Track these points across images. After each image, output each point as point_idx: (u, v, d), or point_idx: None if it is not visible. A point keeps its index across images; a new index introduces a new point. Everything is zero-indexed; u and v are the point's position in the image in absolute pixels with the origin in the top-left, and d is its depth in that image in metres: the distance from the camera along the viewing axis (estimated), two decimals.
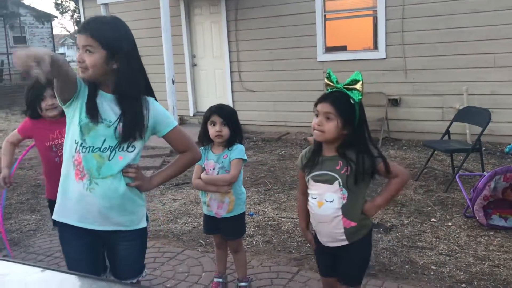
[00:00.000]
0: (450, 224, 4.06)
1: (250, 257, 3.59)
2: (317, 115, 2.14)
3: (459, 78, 6.91)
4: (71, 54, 44.77)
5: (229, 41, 8.86)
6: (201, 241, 4.00)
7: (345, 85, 2.11)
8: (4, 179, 2.93)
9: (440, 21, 6.92)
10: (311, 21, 7.96)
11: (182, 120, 9.31)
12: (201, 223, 4.38)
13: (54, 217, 2.05)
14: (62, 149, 2.92)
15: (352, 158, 2.11)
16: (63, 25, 60.45)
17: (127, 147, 1.99)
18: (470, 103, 6.63)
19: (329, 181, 2.14)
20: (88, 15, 10.42)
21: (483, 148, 5.63)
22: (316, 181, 2.18)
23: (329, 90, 2.19)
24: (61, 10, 21.89)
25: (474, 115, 5.13)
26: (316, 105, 2.16)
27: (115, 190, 1.97)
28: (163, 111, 2.08)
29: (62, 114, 2.94)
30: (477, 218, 3.87)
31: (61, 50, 37.73)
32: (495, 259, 3.37)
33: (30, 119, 2.95)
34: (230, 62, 8.91)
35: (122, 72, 1.93)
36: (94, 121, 1.93)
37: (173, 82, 7.56)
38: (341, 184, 2.12)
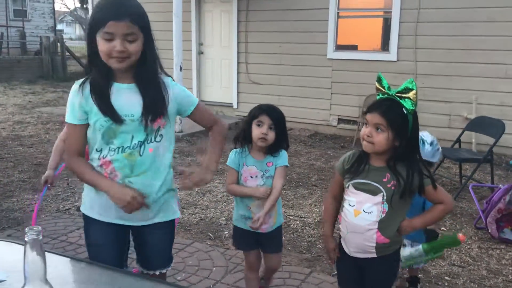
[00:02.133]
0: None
1: None
2: (366, 124, 2.02)
3: (469, 87, 6.89)
4: (69, 31, 44.28)
5: (238, 31, 8.76)
6: (210, 234, 3.95)
7: (397, 92, 1.96)
8: (46, 178, 2.84)
9: (455, 28, 6.88)
10: (323, 17, 7.88)
11: None
12: (208, 215, 4.37)
13: (87, 212, 1.96)
14: None
15: (402, 173, 1.98)
16: (64, 2, 59.70)
17: (155, 137, 1.88)
18: (478, 113, 6.63)
19: (373, 191, 2.02)
20: None
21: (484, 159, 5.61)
22: (357, 188, 2.06)
23: (380, 96, 2.04)
24: None
25: (488, 125, 5.10)
26: (365, 113, 2.04)
27: (150, 185, 1.88)
28: (183, 89, 1.98)
29: None
30: (489, 231, 3.86)
31: (59, 26, 37.24)
32: (508, 274, 3.36)
33: None
34: (238, 52, 8.82)
35: (149, 56, 1.82)
36: (117, 122, 1.79)
37: (180, 69, 7.45)
38: (384, 197, 2.00)
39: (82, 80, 1.83)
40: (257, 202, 2.47)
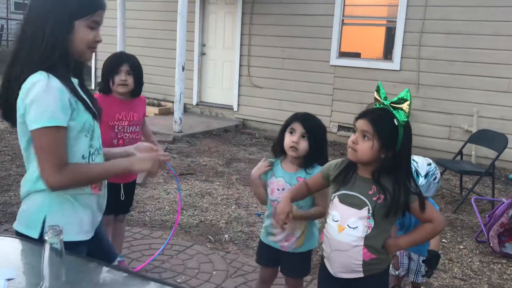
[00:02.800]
0: (461, 247, 4.02)
1: None
2: (355, 131, 1.91)
3: (471, 99, 6.89)
4: None
5: (242, 34, 8.73)
6: (210, 237, 3.90)
7: (392, 102, 1.86)
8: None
9: (459, 40, 6.89)
10: (328, 23, 7.87)
11: (184, 108, 9.16)
12: (208, 217, 4.33)
13: (79, 237, 1.68)
14: (123, 131, 2.85)
15: (387, 187, 1.86)
16: None
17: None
18: (479, 125, 6.63)
19: (358, 205, 1.90)
20: None
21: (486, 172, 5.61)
22: (342, 201, 1.94)
23: (376, 106, 1.94)
24: None
25: (491, 139, 5.10)
26: (356, 120, 1.93)
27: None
28: None
29: (131, 95, 2.89)
30: (491, 245, 3.84)
31: None
32: None
33: (100, 93, 2.87)
34: (241, 55, 8.79)
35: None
36: (97, 120, 1.71)
37: (183, 69, 7.41)
38: (370, 211, 1.88)
39: (46, 73, 1.55)
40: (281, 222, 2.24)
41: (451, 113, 7.07)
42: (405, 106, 1.82)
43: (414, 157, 2.62)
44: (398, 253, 2.87)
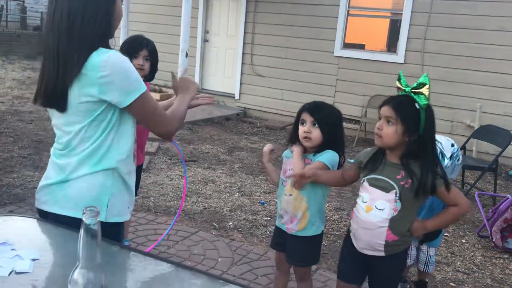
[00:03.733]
0: (463, 241, 4.05)
1: (266, 249, 3.52)
2: (380, 118, 2.04)
3: (474, 94, 6.89)
4: None
5: (245, 22, 8.67)
6: (214, 224, 3.91)
7: (412, 88, 1.98)
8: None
9: (465, 34, 6.87)
10: (333, 14, 7.83)
11: None
12: (212, 204, 4.34)
13: (120, 218, 1.72)
14: None
15: (416, 171, 1.96)
16: None
17: None
18: (481, 121, 6.65)
19: (386, 188, 2.02)
20: None
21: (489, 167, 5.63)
22: (371, 184, 2.07)
23: (400, 94, 2.06)
24: None
25: (494, 134, 5.11)
26: (379, 107, 2.06)
27: None
28: None
29: (147, 79, 2.87)
30: (493, 240, 3.86)
31: None
32: None
33: None
34: (244, 43, 8.74)
35: None
36: None
37: (186, 55, 7.36)
38: (397, 195, 1.99)
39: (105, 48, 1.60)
40: (285, 198, 2.37)
41: (453, 107, 7.07)
42: (424, 89, 1.95)
43: (438, 137, 2.69)
44: None
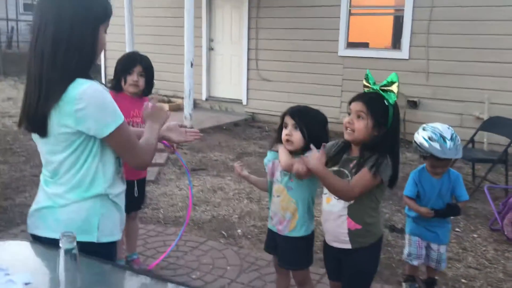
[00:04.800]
0: (475, 235, 4.01)
1: None
2: (349, 114, 2.12)
3: (482, 86, 6.82)
4: None
5: (249, 28, 8.72)
6: (223, 232, 3.94)
7: (381, 86, 2.08)
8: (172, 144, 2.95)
9: (468, 26, 6.81)
10: (335, 14, 7.82)
11: (194, 104, 9.20)
12: (220, 212, 4.37)
13: (111, 238, 1.74)
14: (137, 128, 2.88)
15: (366, 157, 2.07)
16: None
17: None
18: (490, 112, 6.57)
19: (342, 178, 2.11)
20: None
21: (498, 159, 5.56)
22: None
23: (366, 91, 2.17)
24: None
25: (503, 126, 5.05)
26: (349, 103, 2.15)
27: None
28: None
29: (144, 94, 2.92)
30: (505, 233, 3.82)
31: None
32: None
33: (112, 91, 2.89)
34: (248, 49, 8.78)
35: None
36: None
37: (191, 65, 7.43)
38: (350, 182, 2.08)
39: (84, 79, 1.59)
40: (274, 200, 2.43)
41: (462, 100, 7.00)
42: (394, 87, 2.05)
43: (432, 124, 2.82)
44: (416, 244, 2.90)
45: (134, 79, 2.85)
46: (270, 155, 2.49)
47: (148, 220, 4.15)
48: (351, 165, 2.11)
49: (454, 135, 2.77)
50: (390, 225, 4.17)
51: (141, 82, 2.89)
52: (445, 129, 2.78)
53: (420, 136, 2.78)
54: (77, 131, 1.57)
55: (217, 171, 5.63)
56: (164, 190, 4.92)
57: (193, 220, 4.17)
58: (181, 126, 2.23)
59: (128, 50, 8.14)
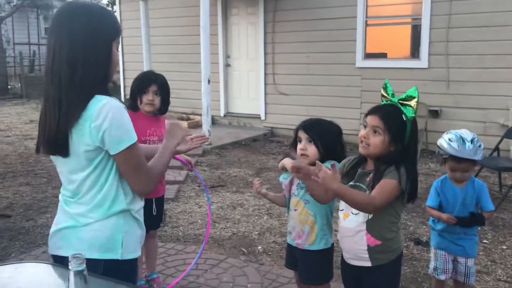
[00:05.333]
0: (504, 247, 3.87)
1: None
2: (365, 127, 2.04)
3: (505, 92, 6.67)
4: None
5: (265, 43, 8.74)
6: (243, 249, 3.88)
7: (400, 99, 2.01)
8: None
9: (488, 32, 6.69)
10: (351, 26, 7.79)
11: (213, 120, 9.23)
12: (240, 229, 4.32)
13: (134, 255, 1.74)
14: None
15: (381, 169, 1.99)
16: None
17: None
18: None
19: None
20: (124, 9, 10.41)
21: None
22: None
23: (383, 102, 2.10)
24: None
25: None
26: (366, 116, 2.07)
27: None
28: None
29: (160, 112, 2.93)
30: None
31: None
32: None
33: (129, 110, 2.91)
34: (265, 64, 8.79)
35: None
36: None
37: (208, 82, 7.46)
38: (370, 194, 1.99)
39: (103, 96, 1.61)
40: (292, 213, 2.40)
41: (485, 108, 6.85)
42: (413, 103, 1.98)
43: (455, 130, 2.74)
44: (442, 258, 2.81)
45: (149, 98, 2.86)
46: (283, 175, 2.46)
47: (168, 238, 4.12)
48: (368, 179, 2.03)
49: (475, 139, 2.71)
50: (415, 238, 4.06)
51: (157, 101, 2.89)
52: (467, 133, 2.73)
53: (442, 139, 2.72)
54: (97, 148, 1.58)
55: (236, 187, 5.59)
56: (183, 207, 4.90)
57: (213, 237, 4.13)
58: (188, 134, 2.18)
59: (145, 69, 8.23)
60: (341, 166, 2.17)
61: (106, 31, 1.62)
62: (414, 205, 4.89)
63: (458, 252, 2.80)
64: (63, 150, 1.60)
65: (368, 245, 2.04)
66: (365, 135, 2.00)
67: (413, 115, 1.97)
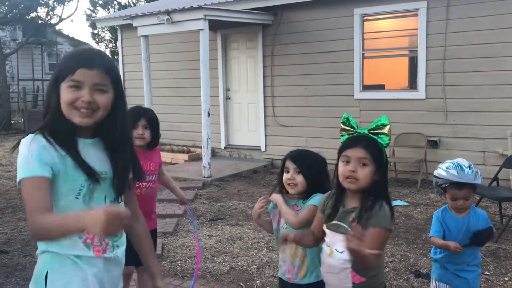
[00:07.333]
0: (506, 279, 3.81)
1: None
2: (347, 162, 1.95)
3: (503, 122, 6.70)
4: None
5: (264, 76, 8.85)
6: (241, 284, 3.83)
7: (370, 129, 1.98)
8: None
9: (484, 63, 6.77)
10: (349, 58, 7.90)
11: (213, 153, 9.25)
12: (239, 263, 4.28)
13: None
14: (144, 181, 2.88)
15: (367, 206, 1.95)
16: None
17: (120, 199, 1.74)
18: None
19: (343, 232, 1.97)
20: (126, 45, 10.59)
21: None
22: (329, 228, 2.05)
23: (346, 136, 2.04)
24: (97, 40, 22.41)
25: None
26: (343, 150, 1.98)
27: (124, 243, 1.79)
28: None
29: (148, 147, 2.95)
30: None
31: None
32: None
33: None
34: (265, 96, 8.88)
35: (121, 114, 1.70)
36: (95, 181, 1.62)
37: (208, 114, 7.53)
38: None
39: (38, 134, 1.59)
40: (281, 248, 2.39)
41: (483, 138, 6.87)
42: (386, 130, 1.96)
43: (450, 160, 2.74)
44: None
45: (139, 132, 2.88)
46: (271, 205, 2.46)
47: (166, 273, 4.07)
48: (350, 219, 1.98)
49: (472, 165, 2.72)
50: (415, 270, 4.01)
51: (147, 134, 2.91)
52: (463, 160, 2.74)
53: (439, 169, 2.72)
54: None
55: (236, 220, 5.56)
56: (182, 241, 4.86)
57: (211, 271, 4.08)
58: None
59: (146, 103, 8.32)
60: (322, 204, 2.12)
61: (56, 73, 1.63)
62: (414, 237, 4.85)
63: (460, 285, 2.75)
64: None
65: (353, 283, 2.00)
66: (352, 169, 1.93)
67: (389, 142, 1.97)
